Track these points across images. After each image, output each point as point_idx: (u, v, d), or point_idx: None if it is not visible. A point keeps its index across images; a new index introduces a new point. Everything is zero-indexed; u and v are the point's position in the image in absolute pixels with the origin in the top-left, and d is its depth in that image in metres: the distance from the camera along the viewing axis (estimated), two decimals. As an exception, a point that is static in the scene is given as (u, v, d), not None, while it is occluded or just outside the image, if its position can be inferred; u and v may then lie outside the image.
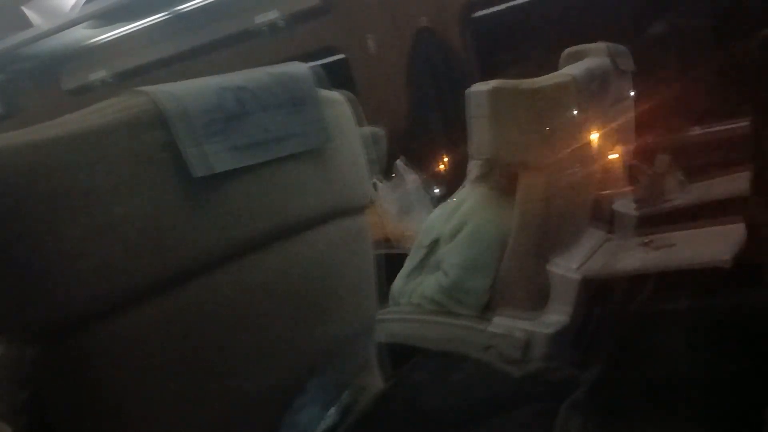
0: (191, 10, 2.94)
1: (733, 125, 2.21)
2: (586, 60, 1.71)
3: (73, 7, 2.99)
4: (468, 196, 1.66)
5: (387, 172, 2.38)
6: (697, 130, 2.38)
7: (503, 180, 1.58)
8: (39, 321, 0.59)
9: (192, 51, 3.07)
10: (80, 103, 0.62)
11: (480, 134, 1.44)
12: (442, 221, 1.68)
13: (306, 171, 0.80)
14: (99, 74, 3.32)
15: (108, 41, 3.20)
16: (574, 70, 1.55)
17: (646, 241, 1.69)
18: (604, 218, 1.96)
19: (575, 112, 1.51)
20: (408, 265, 1.74)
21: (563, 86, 1.47)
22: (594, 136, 1.68)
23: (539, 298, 1.55)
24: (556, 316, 1.52)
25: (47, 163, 0.57)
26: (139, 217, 0.62)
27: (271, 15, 2.81)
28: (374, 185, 2.17)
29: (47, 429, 0.64)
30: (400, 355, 1.06)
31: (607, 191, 2.00)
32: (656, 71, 2.43)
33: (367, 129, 0.98)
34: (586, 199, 1.77)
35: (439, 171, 2.54)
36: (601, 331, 1.66)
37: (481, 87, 1.42)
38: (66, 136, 0.59)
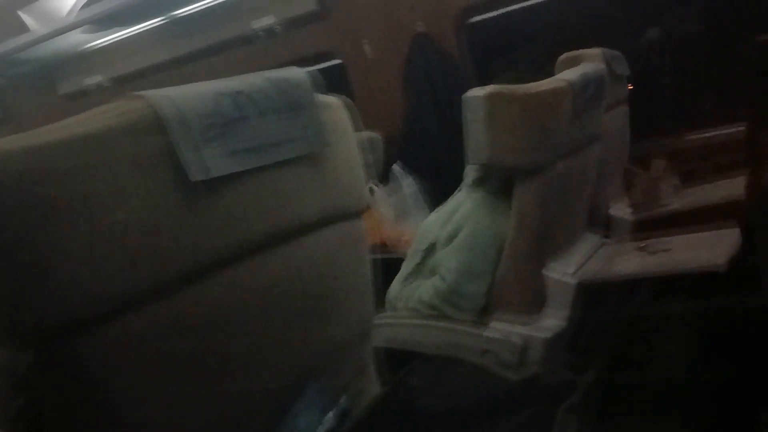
0: (188, 15, 2.94)
1: (729, 130, 2.22)
2: (581, 65, 1.72)
3: (70, 11, 2.99)
4: (464, 201, 1.67)
5: (384, 176, 2.38)
6: (692, 135, 2.39)
7: (500, 184, 1.59)
8: (35, 326, 0.59)
9: (189, 56, 3.07)
10: (76, 108, 0.62)
11: (476, 139, 1.45)
12: (438, 226, 1.68)
13: (303, 175, 0.80)
14: (95, 79, 3.32)
15: (104, 46, 3.19)
16: (570, 75, 1.56)
17: (642, 245, 1.69)
18: (600, 222, 1.97)
19: (571, 117, 1.52)
20: (404, 269, 1.74)
21: (559, 91, 1.48)
22: (590, 141, 1.69)
23: (536, 302, 1.55)
24: (552, 321, 1.52)
25: (45, 167, 0.57)
26: (136, 221, 0.62)
27: (268, 20, 2.81)
28: (371, 190, 2.17)
29: (43, 435, 0.64)
30: (397, 360, 1.05)
31: (603, 196, 2.01)
32: (652, 76, 2.44)
33: (364, 134, 0.98)
34: (582, 204, 1.78)
35: (436, 175, 2.54)
36: (597, 335, 1.66)
37: (477, 92, 1.43)
38: (64, 140, 0.59)
